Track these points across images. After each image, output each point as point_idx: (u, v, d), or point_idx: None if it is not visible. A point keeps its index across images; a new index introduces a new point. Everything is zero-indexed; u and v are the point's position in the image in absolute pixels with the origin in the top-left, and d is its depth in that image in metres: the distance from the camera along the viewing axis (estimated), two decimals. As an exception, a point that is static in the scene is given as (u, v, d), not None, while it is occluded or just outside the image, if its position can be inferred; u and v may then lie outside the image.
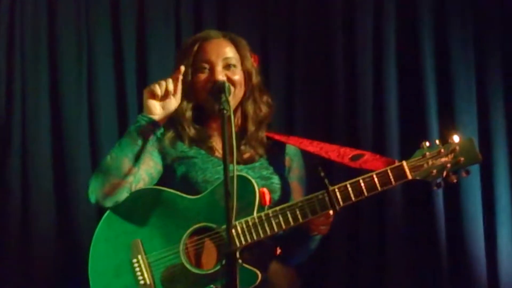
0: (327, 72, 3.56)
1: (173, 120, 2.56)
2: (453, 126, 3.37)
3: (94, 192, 2.44)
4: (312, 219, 2.37)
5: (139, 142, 2.42)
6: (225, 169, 2.14)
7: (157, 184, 2.54)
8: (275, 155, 2.61)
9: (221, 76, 2.50)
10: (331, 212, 2.34)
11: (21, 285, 3.40)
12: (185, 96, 2.51)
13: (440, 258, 3.45)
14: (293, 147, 2.65)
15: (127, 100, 3.53)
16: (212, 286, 2.35)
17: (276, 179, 2.54)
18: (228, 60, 2.53)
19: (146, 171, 2.50)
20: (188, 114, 2.56)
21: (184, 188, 2.48)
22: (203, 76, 2.52)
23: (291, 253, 2.53)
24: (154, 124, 2.43)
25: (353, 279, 3.52)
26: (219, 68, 2.51)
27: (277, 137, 2.63)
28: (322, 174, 2.29)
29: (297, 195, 2.56)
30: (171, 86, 2.42)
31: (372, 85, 3.52)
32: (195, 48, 2.55)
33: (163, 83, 2.42)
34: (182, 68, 2.45)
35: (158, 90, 2.41)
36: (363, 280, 3.51)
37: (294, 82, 3.58)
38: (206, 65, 2.52)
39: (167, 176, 2.56)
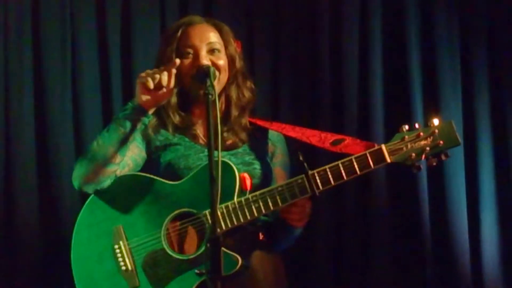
0: (313, 59, 3.56)
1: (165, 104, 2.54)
2: (437, 111, 3.38)
3: (78, 178, 2.44)
4: (287, 213, 2.39)
5: (127, 129, 2.40)
6: (210, 154, 2.14)
7: (140, 171, 2.54)
8: (257, 141, 2.61)
9: (205, 60, 2.49)
10: (308, 205, 2.35)
11: (6, 277, 3.39)
12: (178, 82, 2.49)
13: (424, 244, 3.47)
14: (276, 133, 2.64)
15: (112, 91, 3.53)
16: (196, 270, 2.35)
17: (258, 165, 2.54)
18: (212, 44, 2.53)
19: (131, 158, 2.50)
20: (174, 100, 2.54)
21: (167, 174, 2.48)
22: (187, 61, 2.51)
23: (274, 239, 2.53)
24: (143, 113, 2.41)
25: (338, 264, 3.53)
26: (203, 52, 2.51)
27: (259, 122, 2.63)
28: (301, 158, 2.30)
29: (281, 180, 2.55)
30: (165, 79, 2.38)
31: (358, 70, 3.53)
32: (179, 33, 2.54)
33: (157, 76, 2.38)
34: (177, 61, 2.42)
35: (151, 82, 2.37)
36: (348, 265, 3.52)
37: (280, 68, 3.58)
38: (190, 50, 2.51)
39: (150, 163, 2.55)
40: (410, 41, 3.49)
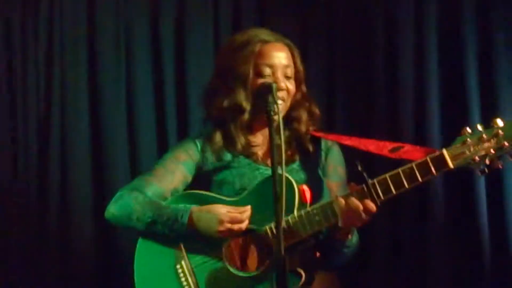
0: (367, 63, 3.48)
1: (224, 116, 2.53)
2: (495, 112, 3.24)
3: (111, 217, 2.51)
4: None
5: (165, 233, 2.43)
6: (274, 170, 2.15)
7: (192, 188, 2.54)
8: (311, 153, 2.57)
9: (283, 84, 2.48)
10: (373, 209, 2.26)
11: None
12: (245, 96, 2.49)
13: (482, 253, 3.30)
14: (329, 142, 2.59)
15: (166, 102, 3.54)
16: None
17: (312, 181, 2.49)
18: (287, 69, 2.51)
19: (182, 182, 2.53)
20: (245, 117, 2.51)
21: (220, 192, 2.49)
22: (263, 80, 2.48)
23: (329, 257, 2.46)
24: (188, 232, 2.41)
25: (395, 278, 3.41)
26: (279, 74, 2.49)
27: (316, 134, 2.59)
28: (360, 168, 2.24)
29: (332, 193, 2.50)
30: (244, 225, 2.36)
31: (413, 73, 3.42)
32: (256, 49, 2.50)
33: (242, 225, 2.35)
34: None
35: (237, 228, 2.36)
36: (404, 281, 3.40)
37: (334, 83, 3.52)
38: (269, 70, 2.49)
39: (204, 180, 2.55)
40: (467, 42, 3.37)
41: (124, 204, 2.47)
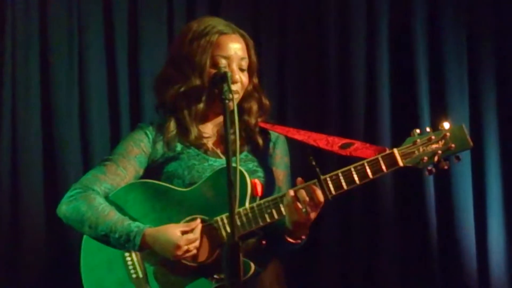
0: (319, 62, 3.56)
1: (178, 103, 2.50)
2: (444, 115, 3.38)
3: (63, 216, 2.47)
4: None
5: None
6: (228, 160, 2.14)
7: (143, 178, 2.52)
8: (260, 144, 2.58)
9: (237, 76, 2.48)
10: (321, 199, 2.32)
11: (11, 283, 3.38)
12: (201, 85, 2.47)
13: (430, 249, 3.46)
14: (276, 134, 2.62)
15: (119, 93, 3.51)
16: (215, 276, 2.35)
17: (261, 172, 2.53)
18: (242, 61, 2.50)
19: (134, 177, 2.50)
20: (201, 105, 2.50)
21: (169, 183, 2.47)
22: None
23: (276, 248, 2.49)
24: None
25: (343, 270, 3.52)
26: (235, 66, 2.48)
27: (262, 125, 2.60)
28: (314, 163, 2.28)
29: (279, 182, 2.55)
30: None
31: (364, 73, 3.51)
32: (214, 40, 2.49)
33: (197, 243, 2.35)
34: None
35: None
36: (352, 270, 3.51)
37: (286, 73, 3.57)
38: (224, 61, 2.47)
39: (153, 171, 2.53)
40: (417, 44, 3.50)
41: (76, 208, 2.42)
